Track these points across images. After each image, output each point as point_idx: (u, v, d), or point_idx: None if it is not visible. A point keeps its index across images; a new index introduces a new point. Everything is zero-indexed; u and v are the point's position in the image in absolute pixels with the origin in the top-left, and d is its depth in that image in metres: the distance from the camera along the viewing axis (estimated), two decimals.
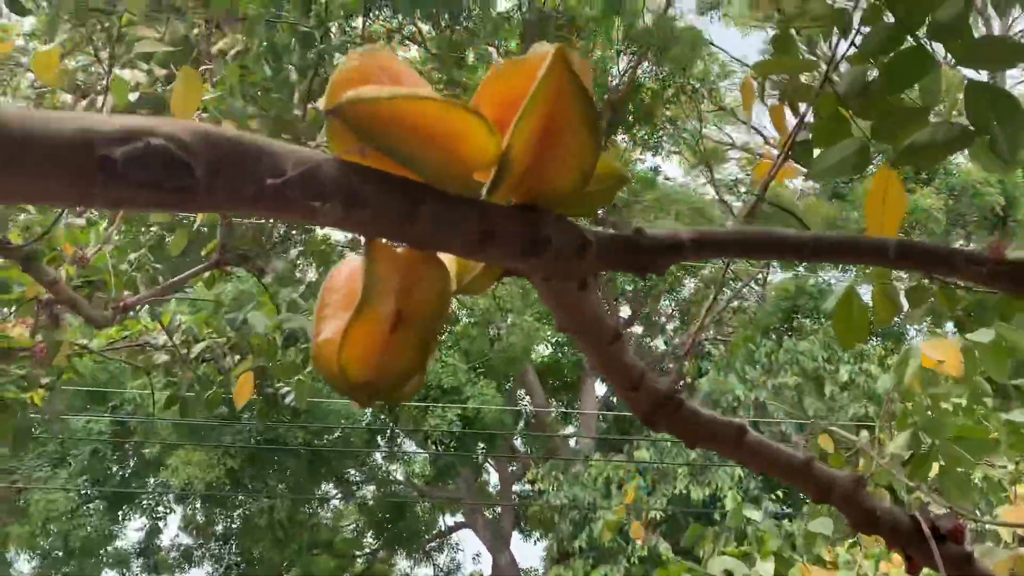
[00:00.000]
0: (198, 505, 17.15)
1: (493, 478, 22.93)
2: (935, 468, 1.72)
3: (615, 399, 20.07)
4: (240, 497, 15.82)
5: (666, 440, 11.79)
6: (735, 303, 18.09)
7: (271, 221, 3.79)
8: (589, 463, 11.81)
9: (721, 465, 11.07)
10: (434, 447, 15.22)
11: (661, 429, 1.18)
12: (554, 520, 12.31)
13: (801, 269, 16.59)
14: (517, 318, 15.50)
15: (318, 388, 12.38)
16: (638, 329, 21.82)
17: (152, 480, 16.52)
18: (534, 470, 12.42)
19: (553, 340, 17.44)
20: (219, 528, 19.13)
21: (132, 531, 19.26)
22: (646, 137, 17.51)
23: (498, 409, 12.20)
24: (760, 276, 18.07)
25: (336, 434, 14.12)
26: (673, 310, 22.62)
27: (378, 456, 21.73)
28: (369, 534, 22.94)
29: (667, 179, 21.34)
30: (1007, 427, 1.82)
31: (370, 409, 17.32)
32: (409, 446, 23.10)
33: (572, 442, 18.09)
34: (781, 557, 2.26)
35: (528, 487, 21.77)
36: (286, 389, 3.29)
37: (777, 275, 18.58)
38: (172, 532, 23.23)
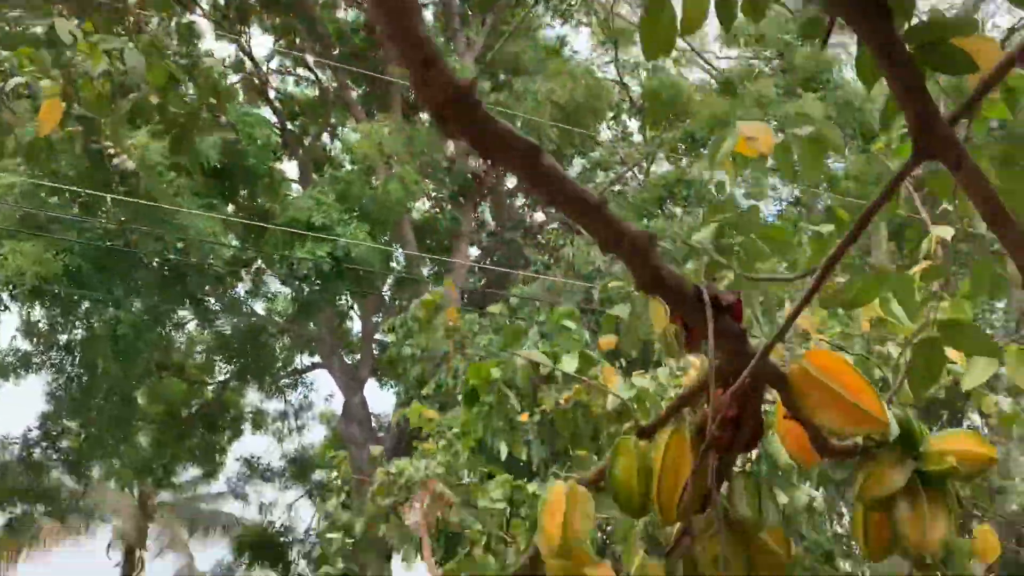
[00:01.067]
0: (38, 308, 16.39)
1: (356, 325, 23.00)
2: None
3: (488, 263, 20.28)
4: (87, 305, 15.21)
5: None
6: (616, 187, 18.33)
7: None
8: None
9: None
10: (299, 283, 15.01)
11: (453, 132, 1.11)
12: (406, 367, 12.51)
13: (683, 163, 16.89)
14: (400, 167, 15.20)
15: (161, 174, 11.71)
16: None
17: None
18: (392, 319, 12.46)
19: (435, 196, 17.25)
20: (62, 337, 18.45)
21: None
22: (558, 3, 17.05)
23: (368, 248, 12.02)
24: (643, 164, 18.33)
25: (194, 259, 13.63)
26: None
27: (240, 288, 21.36)
28: (222, 363, 22.78)
29: (574, 52, 21.01)
30: (812, 240, 1.90)
31: (235, 237, 16.82)
32: (273, 283, 22.79)
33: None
34: (586, 355, 2.35)
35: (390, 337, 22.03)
36: (115, 151, 3.05)
37: (664, 167, 18.86)
38: (8, 333, 22.34)
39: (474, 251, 20.73)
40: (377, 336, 20.86)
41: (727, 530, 1.66)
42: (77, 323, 16.39)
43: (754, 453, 1.98)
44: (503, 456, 3.58)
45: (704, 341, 1.58)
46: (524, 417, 2.72)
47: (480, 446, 3.16)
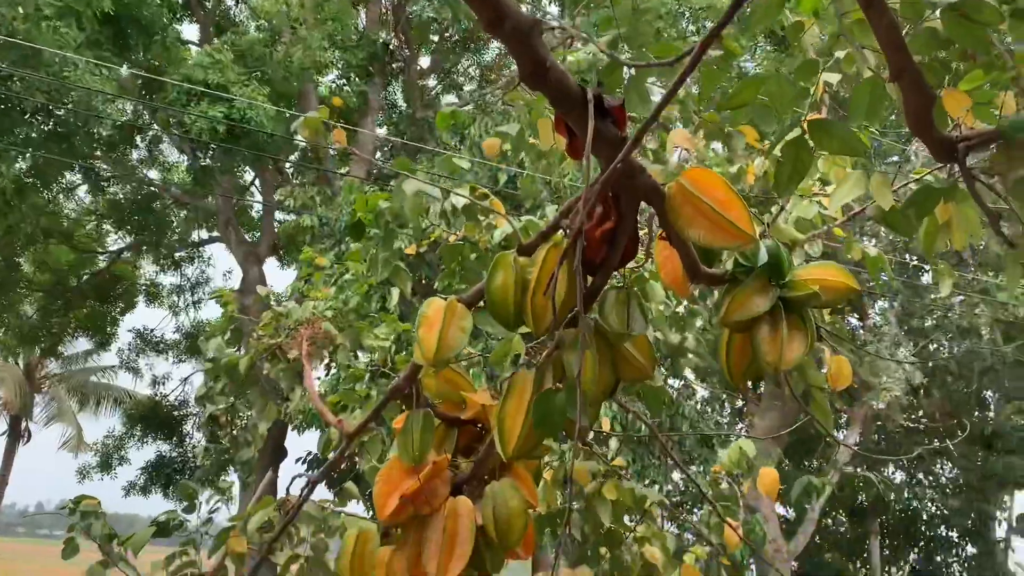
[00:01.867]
0: None
1: (256, 204, 22.39)
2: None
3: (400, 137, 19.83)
4: None
5: None
6: None
7: None
8: (345, 189, 11.66)
9: None
10: (194, 149, 14.36)
11: None
12: (306, 241, 12.28)
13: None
14: (306, 32, 14.48)
15: (47, 18, 10.81)
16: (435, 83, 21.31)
17: None
18: (288, 188, 12.06)
19: (341, 65, 16.57)
20: None
21: None
22: None
23: (268, 116, 11.50)
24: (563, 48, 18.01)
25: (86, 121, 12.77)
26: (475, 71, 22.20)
27: (135, 155, 20.36)
28: (115, 233, 21.90)
29: None
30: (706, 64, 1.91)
31: (130, 102, 15.87)
32: (171, 153, 21.78)
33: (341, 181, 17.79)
34: (475, 187, 2.34)
35: (292, 216, 21.55)
36: None
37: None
38: None
39: (383, 132, 20.21)
40: (279, 216, 20.37)
41: (595, 339, 1.71)
42: None
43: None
44: (393, 302, 3.60)
45: (580, 154, 1.59)
46: (412, 250, 2.72)
47: (368, 293, 3.16)
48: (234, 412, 3.29)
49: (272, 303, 3.83)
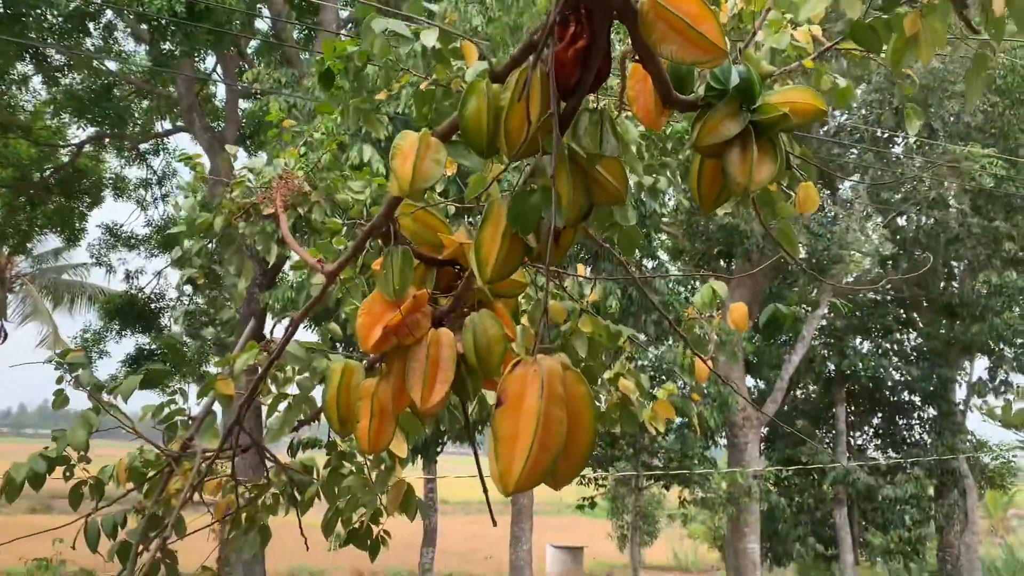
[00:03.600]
0: None
1: (220, 91, 21.78)
2: None
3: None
4: None
5: None
6: None
7: None
8: (311, 65, 11.36)
9: None
10: (153, 32, 13.83)
11: None
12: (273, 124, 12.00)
13: None
14: None
15: None
16: None
17: None
18: (255, 71, 11.70)
19: None
20: None
21: None
22: None
23: None
24: None
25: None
26: None
27: (88, 43, 19.57)
28: (75, 126, 21.31)
29: None
30: None
31: None
32: (127, 43, 20.98)
33: (304, 55, 17.25)
34: (447, 32, 2.29)
35: (256, 106, 21.00)
36: None
37: None
38: None
39: (346, 14, 19.54)
40: (243, 104, 19.85)
41: (569, 163, 1.73)
42: None
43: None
44: (366, 158, 3.59)
45: None
46: (383, 95, 2.68)
47: (340, 149, 3.14)
48: (212, 274, 3.31)
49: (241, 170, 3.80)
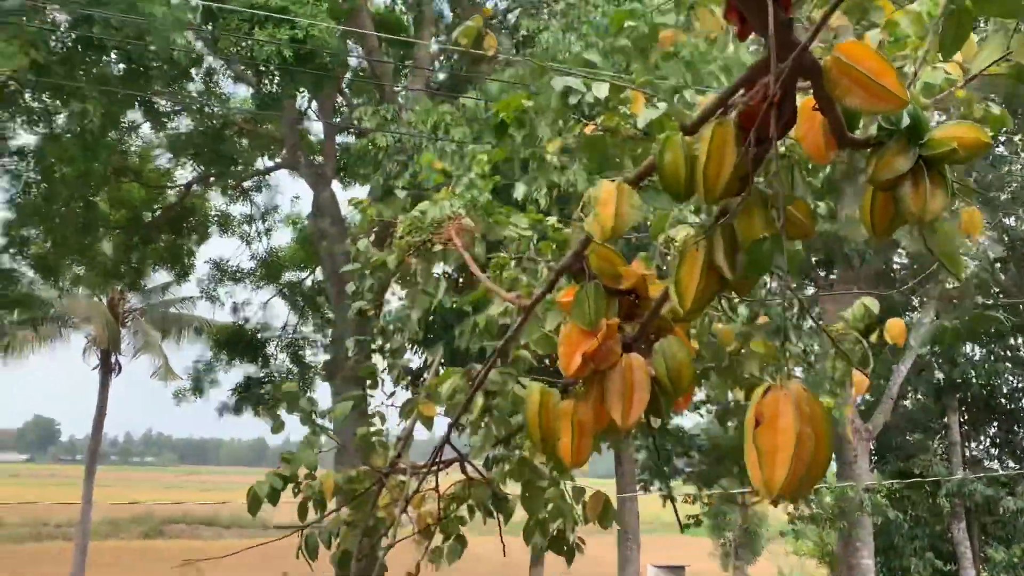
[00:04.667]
0: None
1: (316, 127, 22.70)
2: None
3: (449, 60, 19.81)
4: (44, 102, 14.70)
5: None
6: None
7: None
8: (416, 109, 11.85)
9: None
10: (257, 77, 14.60)
11: None
12: (379, 159, 12.54)
13: None
14: None
15: None
16: None
17: None
18: (361, 109, 12.26)
19: None
20: (17, 141, 17.97)
21: None
22: None
23: (327, 34, 11.55)
24: None
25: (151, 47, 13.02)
26: None
27: (191, 87, 20.69)
28: (181, 167, 22.51)
29: None
30: None
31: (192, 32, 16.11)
32: (226, 84, 22.12)
33: (401, 96, 17.90)
34: (616, 86, 2.54)
35: (351, 139, 21.82)
36: None
37: None
38: None
39: (434, 43, 20.17)
40: (339, 139, 20.64)
41: (761, 205, 1.94)
42: (37, 122, 15.84)
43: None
44: (520, 195, 3.84)
45: (752, 33, 1.78)
46: (556, 145, 2.91)
47: (495, 191, 3.40)
48: (380, 306, 3.61)
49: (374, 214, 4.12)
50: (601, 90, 2.44)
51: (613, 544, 18.73)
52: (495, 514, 2.63)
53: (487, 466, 2.63)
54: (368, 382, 3.10)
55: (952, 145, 2.01)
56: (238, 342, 23.45)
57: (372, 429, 2.77)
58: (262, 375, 23.22)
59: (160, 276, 27.31)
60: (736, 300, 2.98)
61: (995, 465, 20.99)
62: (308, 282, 24.10)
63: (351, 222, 21.33)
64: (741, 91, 1.95)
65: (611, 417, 2.27)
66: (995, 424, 21.46)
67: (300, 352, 23.65)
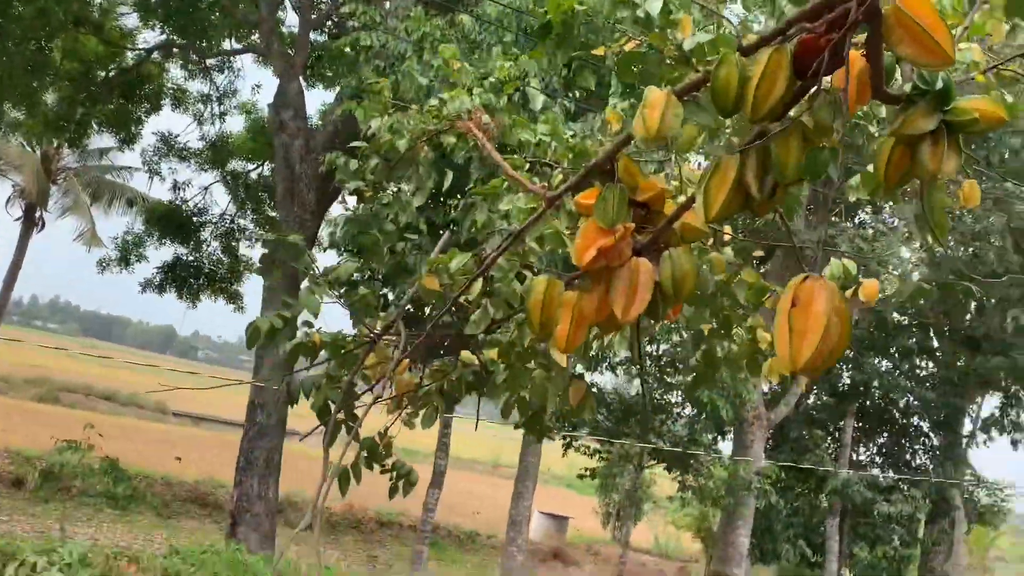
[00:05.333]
0: None
1: (290, 19, 22.04)
2: None
3: None
4: None
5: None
6: None
7: None
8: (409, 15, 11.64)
9: None
10: None
11: None
12: (358, 60, 12.31)
13: None
14: None
15: None
16: None
17: None
18: (352, 4, 11.93)
19: None
20: None
21: None
22: None
23: None
24: None
25: None
26: None
27: None
28: (149, 29, 21.64)
29: None
30: None
31: None
32: None
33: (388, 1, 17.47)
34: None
35: (323, 38, 21.26)
36: None
37: None
38: None
39: None
40: (313, 36, 20.10)
41: (799, 133, 2.09)
42: None
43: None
44: (537, 105, 3.91)
45: None
46: (601, 50, 2.99)
47: (512, 95, 3.48)
48: (377, 189, 3.63)
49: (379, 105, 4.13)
50: (654, 6, 2.55)
51: (503, 486, 19.25)
52: (479, 388, 2.78)
53: (479, 347, 2.76)
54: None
55: (975, 115, 2.19)
56: (171, 221, 22.92)
57: (367, 291, 2.86)
58: (191, 259, 22.82)
59: (103, 140, 26.33)
60: (727, 239, 3.17)
61: (878, 472, 22.23)
62: (254, 175, 23.60)
63: (315, 120, 20.95)
64: (799, 25, 2.08)
65: (611, 310, 2.43)
66: (885, 434, 22.69)
67: (234, 243, 23.28)
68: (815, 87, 2.10)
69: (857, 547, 20.81)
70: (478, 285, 2.63)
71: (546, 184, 2.59)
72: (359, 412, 2.70)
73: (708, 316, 2.94)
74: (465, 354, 2.75)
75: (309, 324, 2.70)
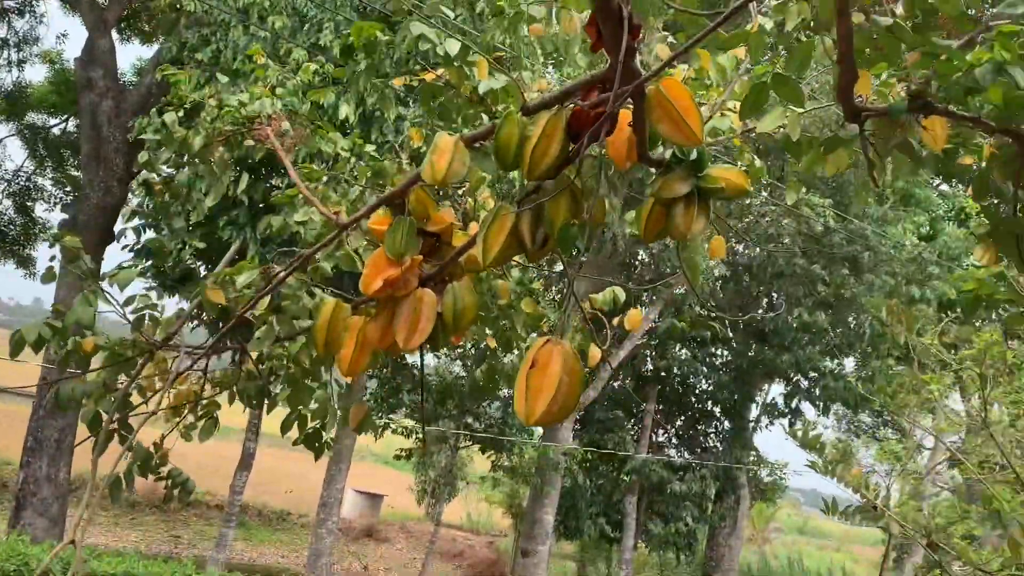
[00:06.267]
0: None
1: None
2: None
3: None
4: None
5: None
6: None
7: None
8: None
9: None
10: None
11: None
12: (179, 23, 11.69)
13: None
14: None
15: None
16: None
17: None
18: None
19: None
20: None
21: None
22: None
23: None
24: None
25: None
26: None
27: None
28: None
29: None
30: None
31: None
32: None
33: None
34: (466, 46, 2.77)
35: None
36: None
37: None
38: None
39: None
40: None
41: (569, 194, 2.30)
42: None
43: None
44: (342, 115, 3.92)
45: (601, 48, 2.12)
46: (398, 82, 3.05)
47: (318, 105, 3.47)
48: (169, 185, 3.49)
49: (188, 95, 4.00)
50: (452, 47, 2.66)
51: (318, 465, 19.06)
52: (261, 403, 2.82)
53: (260, 361, 2.79)
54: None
55: (722, 184, 2.48)
56: None
57: (147, 302, 2.81)
58: None
59: None
60: (516, 265, 3.37)
61: (674, 453, 23.82)
62: (56, 130, 21.84)
63: (129, 76, 19.61)
64: (579, 93, 2.28)
65: (395, 339, 2.56)
66: (682, 418, 24.35)
67: (30, 203, 21.50)
68: (584, 152, 2.31)
69: (652, 523, 22.25)
70: (265, 301, 2.67)
71: (338, 210, 2.65)
72: (134, 422, 2.68)
73: (493, 334, 3.14)
74: (249, 366, 2.78)
75: (82, 333, 2.63)
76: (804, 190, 18.84)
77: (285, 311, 2.65)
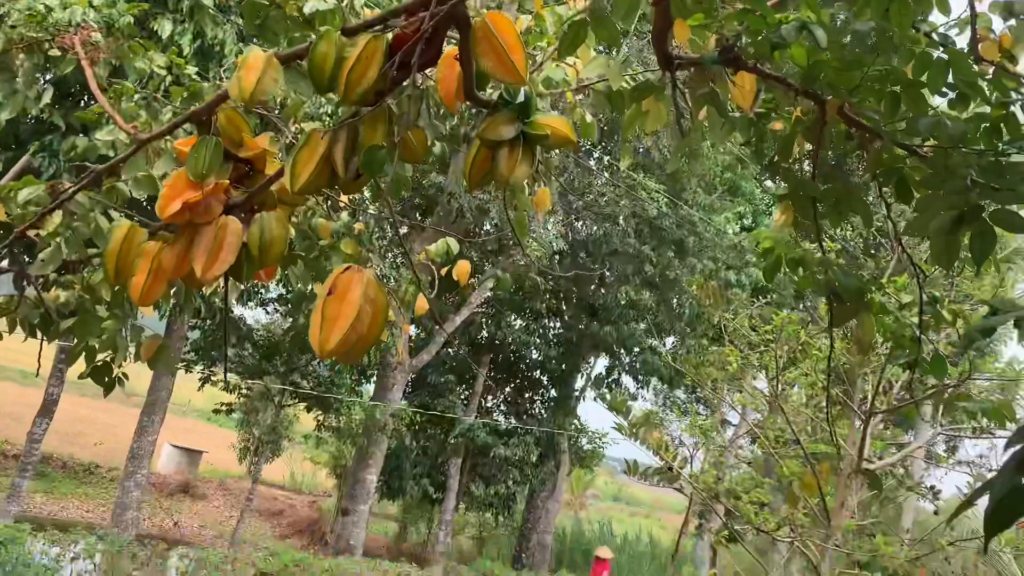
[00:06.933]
0: None
1: None
2: None
3: None
4: None
5: None
6: None
7: None
8: None
9: None
10: None
11: None
12: None
13: None
14: None
15: None
16: None
17: None
18: None
19: None
20: None
21: None
22: None
23: None
24: None
25: None
26: None
27: None
28: None
29: None
30: None
31: None
32: None
33: None
34: None
35: None
36: None
37: None
38: None
39: None
40: None
41: (386, 121, 2.19)
42: None
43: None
44: (165, 34, 3.60)
45: None
46: None
47: (138, 18, 3.16)
48: None
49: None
50: None
51: (133, 416, 18.06)
52: (38, 333, 2.54)
53: (46, 287, 2.51)
54: None
55: (547, 132, 2.45)
56: None
57: None
58: None
59: None
60: (342, 206, 3.23)
61: (500, 419, 24.28)
62: None
63: None
64: (402, 16, 2.17)
65: (191, 268, 2.37)
66: (511, 385, 24.83)
67: None
68: (408, 79, 2.21)
69: (475, 485, 22.63)
70: (54, 220, 2.41)
71: (136, 125, 2.42)
72: None
73: (312, 276, 3.00)
74: (31, 292, 2.51)
75: None
76: (642, 175, 19.51)
77: (76, 232, 2.40)
